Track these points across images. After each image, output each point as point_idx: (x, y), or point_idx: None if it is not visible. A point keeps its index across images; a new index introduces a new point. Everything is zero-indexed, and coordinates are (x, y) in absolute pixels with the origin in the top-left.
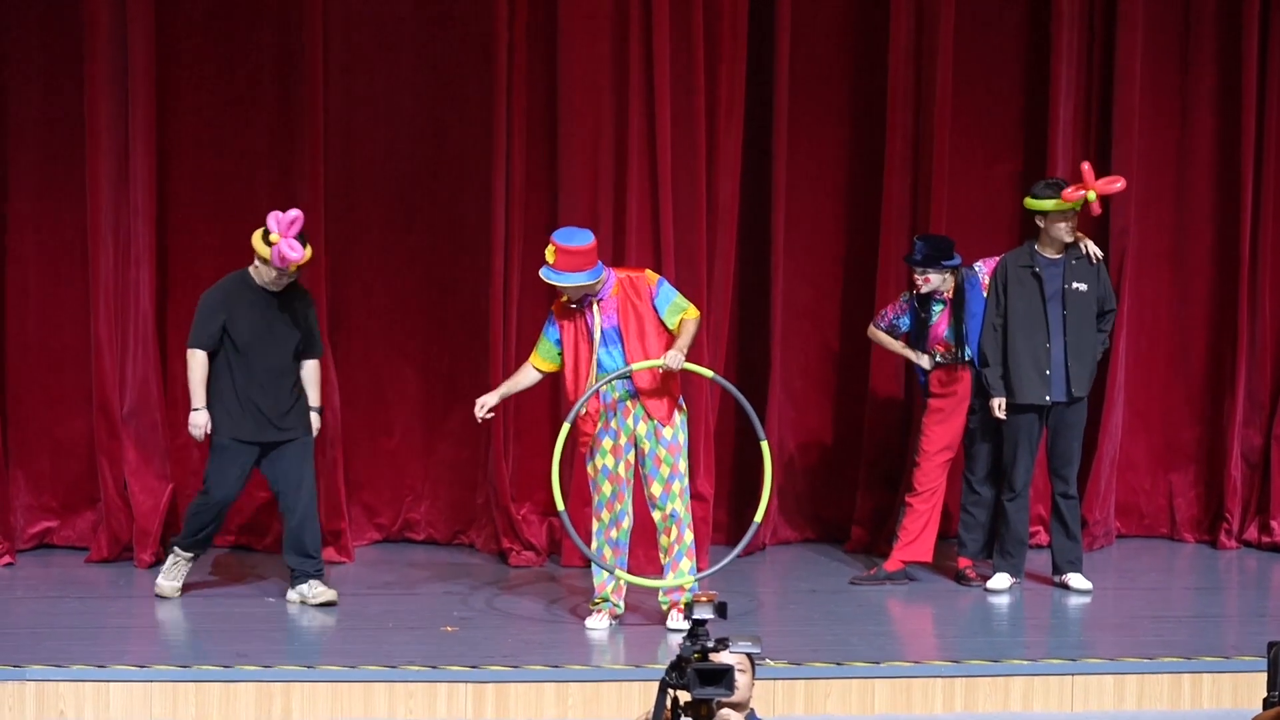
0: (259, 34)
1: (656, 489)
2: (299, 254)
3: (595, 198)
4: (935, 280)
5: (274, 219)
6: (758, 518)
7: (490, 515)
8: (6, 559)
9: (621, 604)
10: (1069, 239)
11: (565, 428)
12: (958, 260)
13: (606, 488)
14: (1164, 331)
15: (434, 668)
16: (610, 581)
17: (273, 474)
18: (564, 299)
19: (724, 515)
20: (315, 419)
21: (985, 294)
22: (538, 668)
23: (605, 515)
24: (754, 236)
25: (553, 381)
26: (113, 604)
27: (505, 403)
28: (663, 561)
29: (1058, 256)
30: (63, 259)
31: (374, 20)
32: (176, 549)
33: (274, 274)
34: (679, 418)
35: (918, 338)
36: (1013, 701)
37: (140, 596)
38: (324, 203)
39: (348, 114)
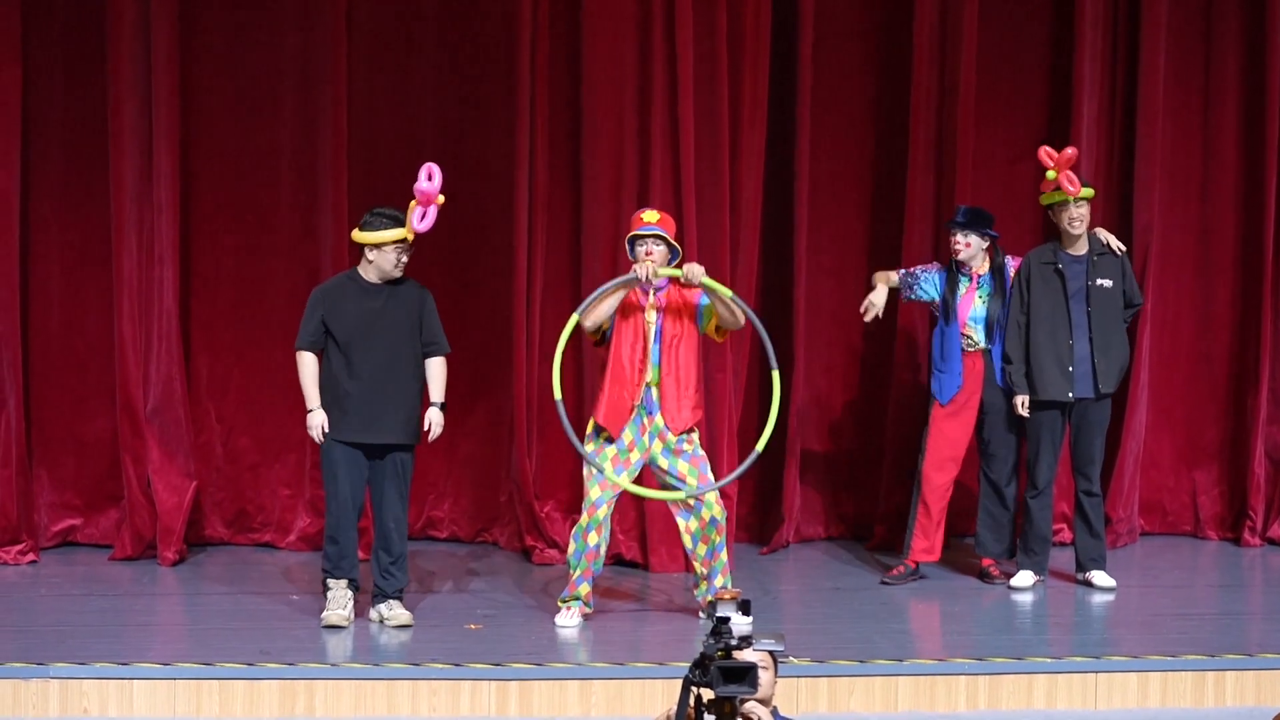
0: (282, 32)
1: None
2: (428, 222)
3: (618, 194)
4: (974, 245)
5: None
6: (759, 446)
7: (514, 513)
8: (30, 557)
9: (591, 604)
10: (1077, 231)
11: (573, 319)
12: (997, 235)
13: (595, 491)
14: (1188, 329)
15: (457, 665)
16: (582, 584)
17: (370, 483)
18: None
19: (749, 514)
20: (437, 415)
21: (1010, 289)
22: (561, 665)
23: (585, 519)
24: (777, 234)
25: (577, 382)
26: (136, 602)
27: (528, 399)
28: (698, 569)
29: (1081, 253)
30: (86, 257)
31: (396, 18)
32: (326, 580)
33: (394, 257)
34: (695, 438)
35: (944, 311)
36: (1036, 699)
37: (164, 594)
38: (347, 201)
39: (370, 112)
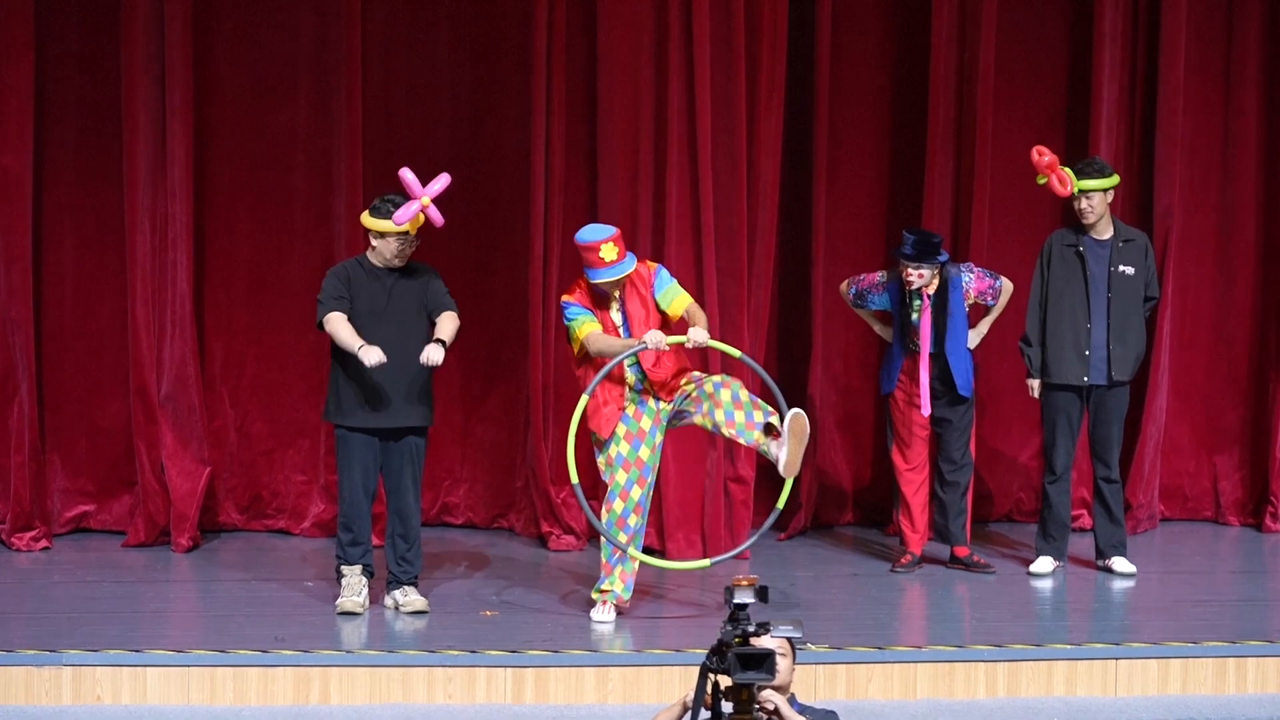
0: (297, 15)
1: (725, 396)
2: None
3: (635, 178)
4: (926, 275)
5: (413, 181)
6: (779, 504)
7: (530, 498)
8: (44, 543)
9: (629, 592)
10: (1087, 221)
11: (584, 399)
12: (945, 257)
13: (620, 475)
14: (1208, 313)
15: (473, 652)
16: (617, 565)
17: (384, 468)
18: (601, 285)
19: (767, 500)
20: (435, 348)
21: (965, 299)
22: (578, 652)
23: (618, 504)
24: (795, 218)
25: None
26: (150, 588)
27: (545, 383)
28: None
29: (1105, 237)
30: (99, 242)
31: (412, 1)
32: (340, 567)
33: (395, 247)
34: (692, 379)
35: (901, 330)
36: (1056, 686)
37: (177, 581)
38: (362, 184)
39: (386, 94)
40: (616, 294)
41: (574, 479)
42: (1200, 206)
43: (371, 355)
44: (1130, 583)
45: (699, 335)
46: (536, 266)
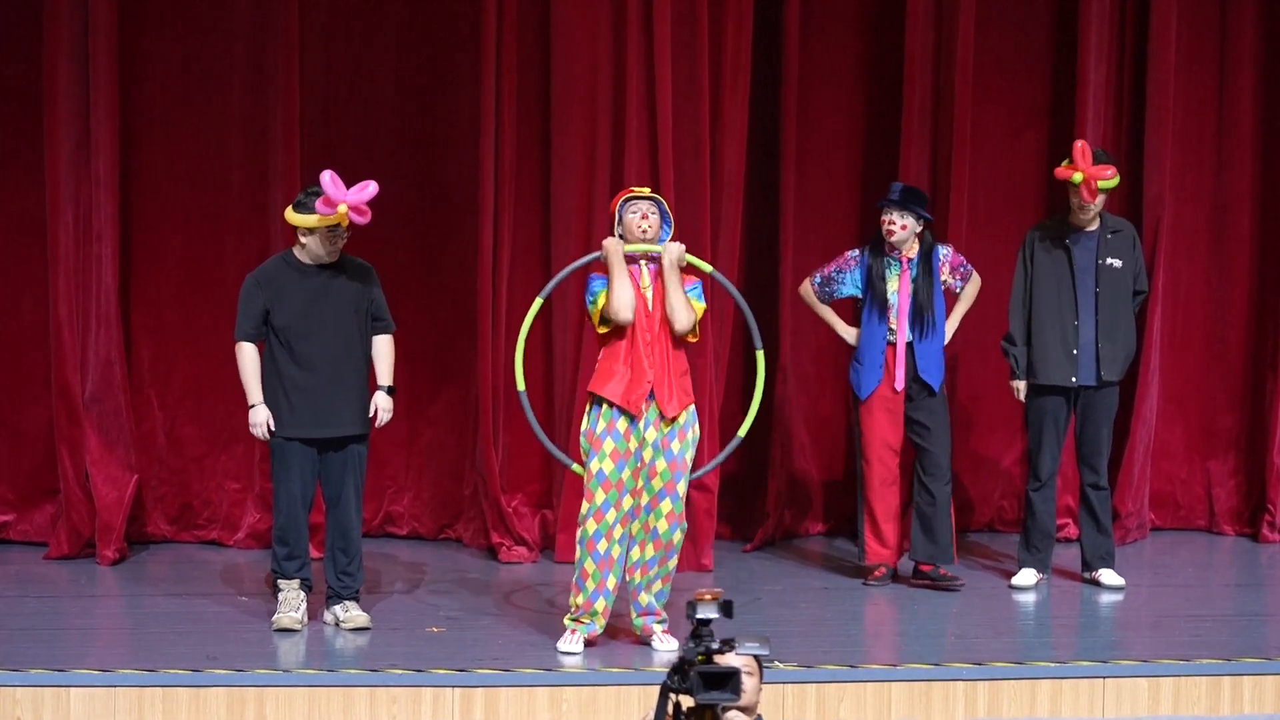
0: None
1: (650, 501)
2: (367, 215)
3: (592, 166)
4: (909, 227)
5: (333, 184)
6: (741, 432)
7: (479, 508)
8: None
9: (605, 623)
10: (1085, 215)
11: (537, 302)
12: (930, 218)
13: (599, 495)
14: (1201, 310)
15: (419, 671)
16: (600, 598)
17: (322, 478)
18: (638, 234)
19: (731, 505)
20: (384, 400)
21: (943, 277)
22: (530, 671)
23: (591, 525)
24: (762, 209)
25: (545, 366)
26: (73, 603)
27: (495, 385)
28: (635, 579)
29: (1093, 229)
30: (19, 234)
31: None
32: (277, 581)
33: (324, 243)
34: (690, 435)
35: (875, 305)
36: (1040, 706)
37: (103, 595)
38: (300, 172)
39: (326, 77)
40: (646, 270)
41: (520, 385)
42: (1193, 195)
43: (257, 419)
44: (1119, 596)
45: (674, 249)
46: (486, 260)
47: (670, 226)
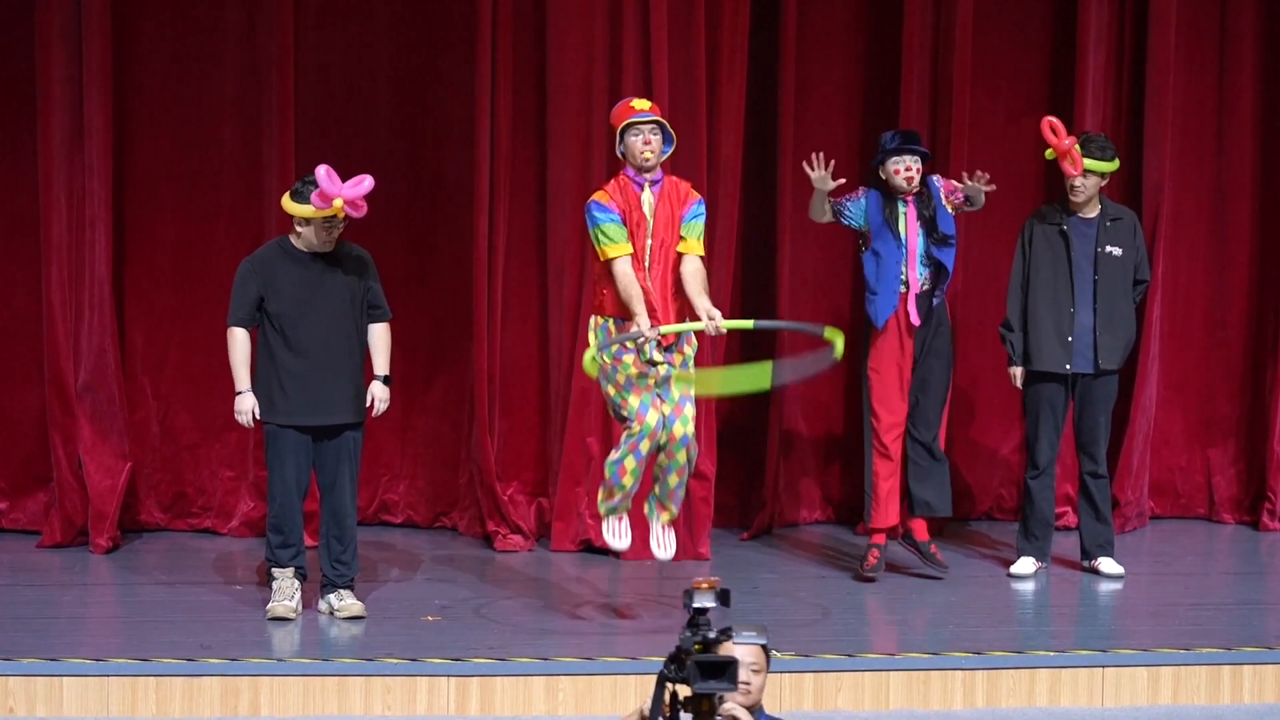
0: None
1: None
2: (363, 209)
3: (587, 152)
4: (917, 168)
5: (329, 178)
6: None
7: (474, 496)
8: None
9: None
10: (1077, 199)
11: (588, 357)
12: (929, 154)
13: (633, 400)
14: (1201, 297)
15: (414, 660)
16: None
17: (316, 465)
18: (640, 160)
19: (728, 497)
20: (381, 390)
21: (943, 201)
22: (526, 660)
23: (636, 426)
24: (759, 196)
25: (542, 351)
26: (66, 592)
27: (490, 372)
28: (656, 492)
29: (1091, 216)
30: (12, 221)
31: None
32: (271, 569)
33: (320, 233)
34: (688, 349)
35: (894, 239)
36: (1038, 696)
37: (96, 584)
38: (294, 160)
39: (320, 65)
40: (648, 187)
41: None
42: (1193, 182)
43: (242, 406)
44: (1118, 585)
45: (714, 326)
46: (481, 247)
47: (672, 145)
